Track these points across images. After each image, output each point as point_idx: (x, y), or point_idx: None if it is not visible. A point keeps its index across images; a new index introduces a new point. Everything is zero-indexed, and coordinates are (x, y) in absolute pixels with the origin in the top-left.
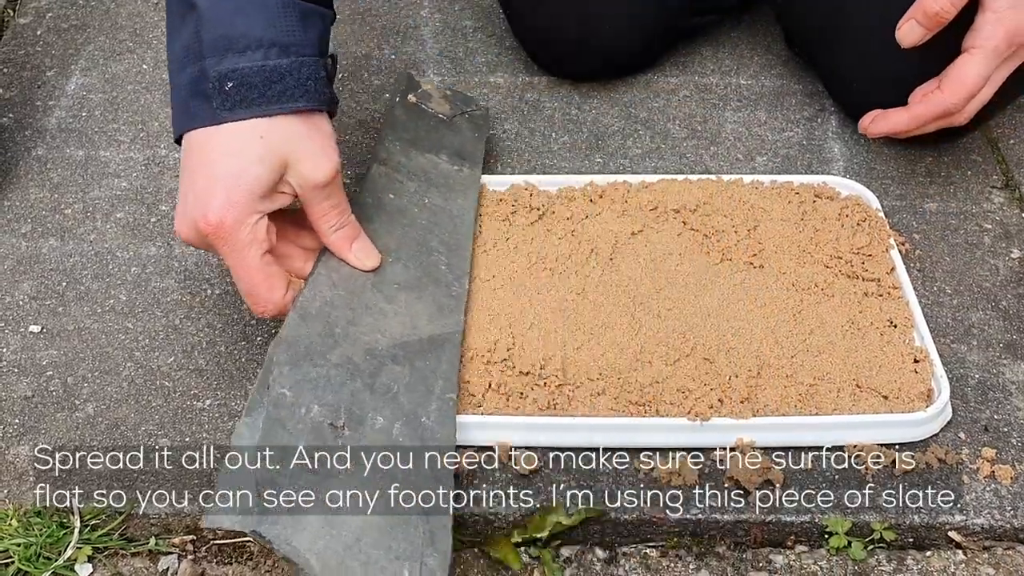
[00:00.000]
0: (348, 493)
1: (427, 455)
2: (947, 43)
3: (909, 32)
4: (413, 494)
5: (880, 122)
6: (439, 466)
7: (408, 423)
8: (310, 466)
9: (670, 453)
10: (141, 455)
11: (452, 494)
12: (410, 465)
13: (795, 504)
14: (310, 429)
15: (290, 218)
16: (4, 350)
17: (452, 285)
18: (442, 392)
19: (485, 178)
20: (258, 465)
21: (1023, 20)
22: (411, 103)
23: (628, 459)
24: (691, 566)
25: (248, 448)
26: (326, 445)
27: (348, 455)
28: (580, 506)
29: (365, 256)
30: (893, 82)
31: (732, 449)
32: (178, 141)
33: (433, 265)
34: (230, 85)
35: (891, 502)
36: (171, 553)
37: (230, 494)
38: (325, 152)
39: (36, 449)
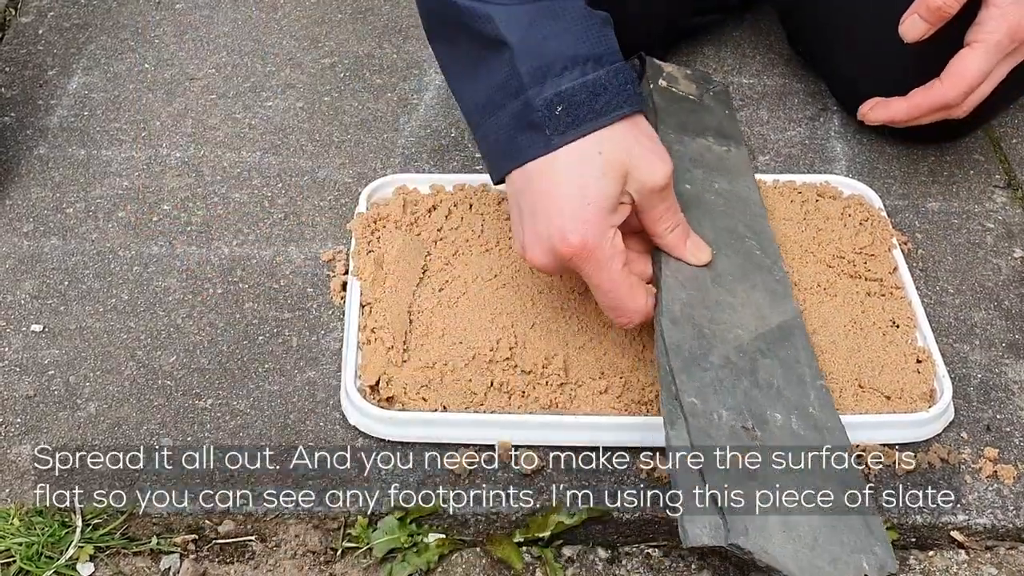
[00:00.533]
0: (786, 494)
1: (833, 452)
2: (951, 42)
3: (912, 27)
4: (836, 489)
5: (879, 110)
6: (845, 462)
7: (801, 416)
8: (748, 474)
9: None
10: (143, 454)
11: (862, 480)
12: (819, 459)
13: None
14: (728, 434)
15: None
16: (6, 349)
17: (773, 270)
18: (813, 380)
19: (486, 177)
20: (707, 480)
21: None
22: (663, 87)
23: (630, 458)
24: (693, 566)
25: (689, 462)
26: (749, 448)
27: (771, 456)
28: (582, 506)
29: (699, 251)
30: (895, 82)
31: None
32: (499, 182)
33: (749, 251)
34: (560, 109)
35: (893, 502)
36: (173, 552)
37: (698, 512)
38: (658, 154)
39: (38, 448)
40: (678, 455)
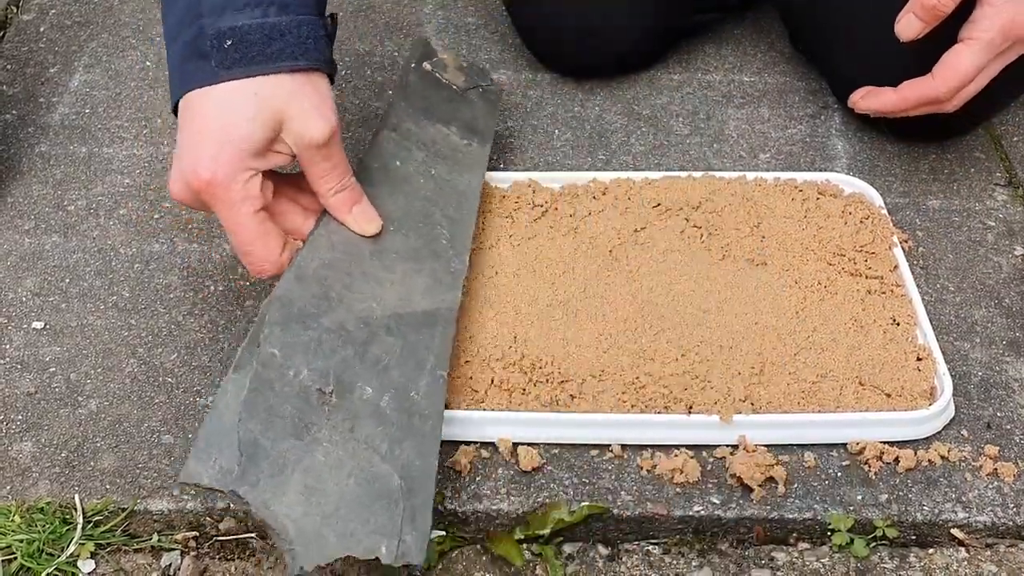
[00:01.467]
0: (330, 462)
1: (414, 430)
2: (949, 40)
3: (907, 26)
4: (395, 471)
5: (870, 99)
6: (425, 444)
7: (397, 396)
8: (294, 431)
9: (673, 450)
10: (144, 451)
11: (435, 473)
12: (396, 440)
13: (797, 501)
14: (297, 393)
15: (291, 178)
16: (7, 346)
17: (452, 261)
18: (433, 368)
19: (488, 175)
20: (241, 424)
21: (1020, 14)
22: (426, 71)
23: (631, 456)
24: (693, 563)
25: (232, 406)
26: (312, 410)
27: (334, 423)
28: (582, 503)
29: (366, 221)
30: (895, 80)
31: (735, 446)
32: (175, 111)
33: (435, 238)
34: (229, 43)
35: (894, 499)
36: (173, 549)
37: (211, 451)
38: (321, 112)
39: (39, 445)
40: (225, 396)
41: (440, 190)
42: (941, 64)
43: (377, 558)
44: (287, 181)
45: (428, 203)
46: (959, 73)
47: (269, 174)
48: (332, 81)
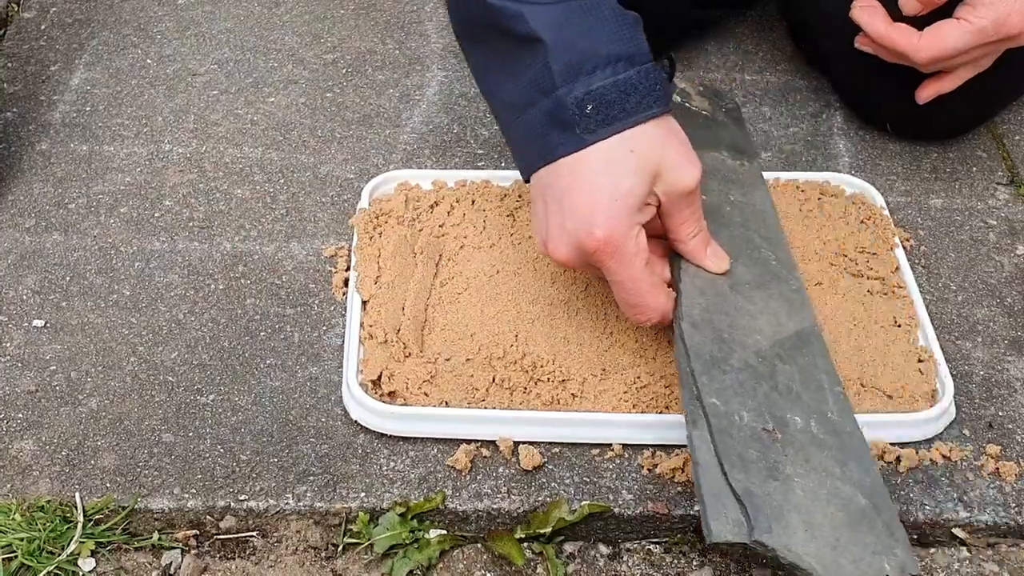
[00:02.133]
0: (808, 495)
1: (847, 449)
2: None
3: (907, 2)
4: (857, 490)
5: (866, 12)
6: (863, 458)
7: (819, 420)
8: (769, 472)
9: (674, 449)
10: (144, 450)
11: (883, 484)
12: (840, 461)
13: None
14: (750, 436)
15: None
16: (7, 345)
17: (789, 280)
18: (831, 386)
19: (489, 173)
20: (730, 476)
21: (1016, 13)
22: (676, 103)
23: (632, 455)
24: (695, 562)
25: (710, 460)
26: (770, 449)
27: (791, 458)
28: (583, 502)
29: (719, 259)
30: (893, 79)
31: None
32: (527, 180)
33: (765, 261)
34: (590, 108)
35: (895, 499)
36: (174, 548)
37: (719, 507)
38: (688, 157)
39: (39, 443)
40: (701, 454)
41: (744, 214)
42: (929, 31)
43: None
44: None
45: (744, 229)
46: (942, 46)
47: None
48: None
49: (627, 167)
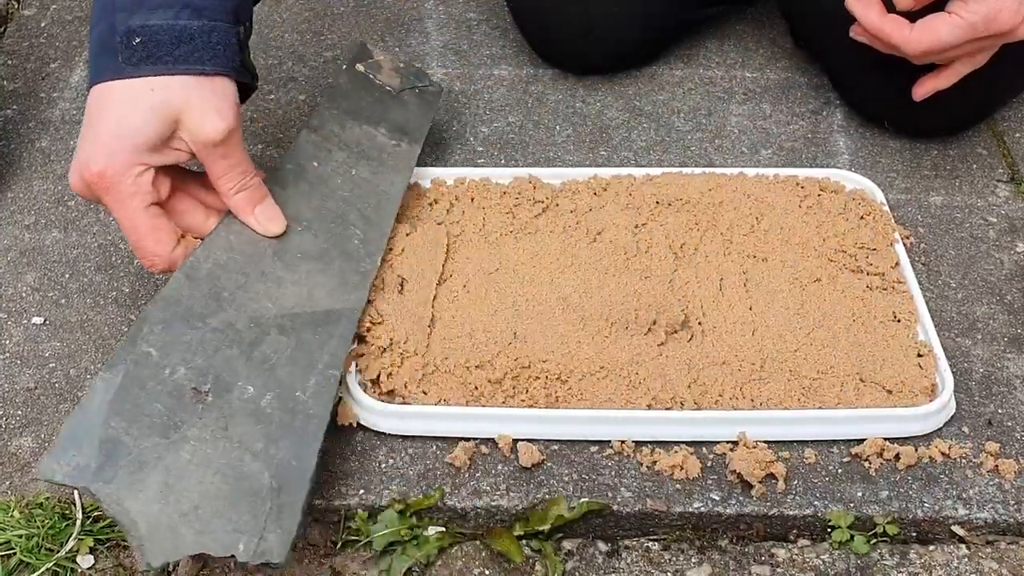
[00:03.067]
0: (196, 460)
1: (295, 430)
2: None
3: None
4: (266, 469)
5: (861, 3)
6: (305, 443)
7: (281, 396)
8: (161, 429)
9: (672, 446)
10: None
11: (312, 474)
12: (273, 438)
13: (798, 498)
14: (170, 391)
15: (198, 176)
16: (7, 342)
17: (363, 260)
18: (325, 367)
19: (488, 171)
20: (106, 422)
21: (1006, 10)
22: (358, 72)
23: (630, 452)
24: (693, 559)
25: (99, 404)
26: (184, 408)
27: (206, 421)
28: (582, 499)
29: (268, 220)
30: (891, 78)
31: (735, 442)
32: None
33: (346, 239)
34: (137, 40)
35: (894, 496)
36: None
37: (70, 448)
38: (219, 111)
39: (39, 441)
40: (94, 395)
41: (359, 190)
42: (920, 24)
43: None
44: (194, 180)
45: (344, 204)
46: (933, 39)
47: (172, 171)
48: (253, 89)
49: (143, 104)
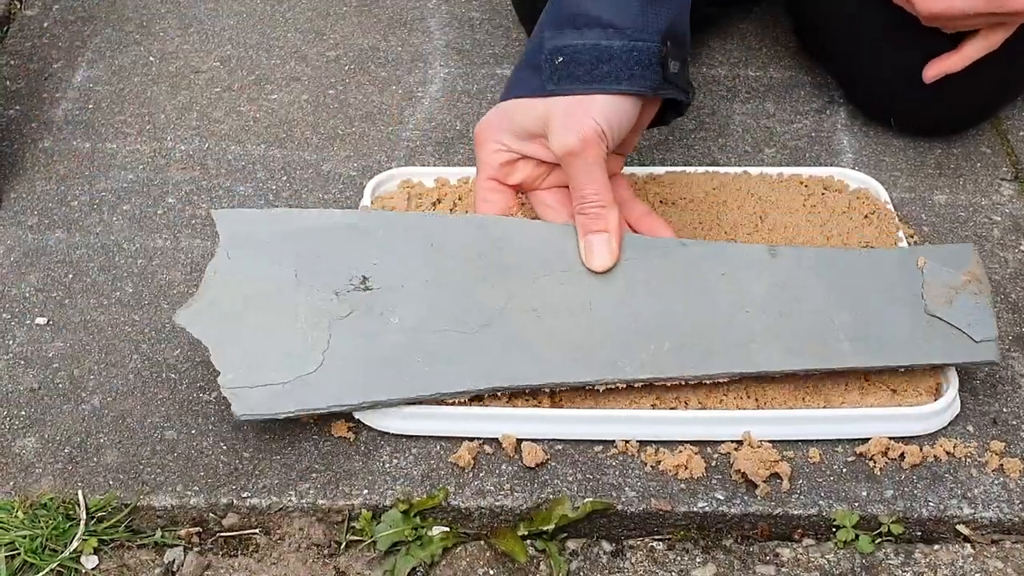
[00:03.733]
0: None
1: None
2: (954, 36)
3: None
4: None
5: None
6: None
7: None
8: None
9: (677, 445)
10: (147, 447)
11: None
12: None
13: (802, 497)
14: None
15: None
16: (10, 342)
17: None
18: None
19: None
20: None
21: None
22: None
23: (634, 452)
24: (698, 559)
25: None
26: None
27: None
28: (586, 499)
29: (593, 251)
30: (899, 71)
31: (739, 442)
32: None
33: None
34: (560, 60)
35: (899, 495)
36: (177, 545)
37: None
38: (582, 124)
39: (42, 441)
40: None
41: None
42: None
43: None
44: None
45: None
46: (949, 4)
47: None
48: (686, 104)
49: (531, 99)
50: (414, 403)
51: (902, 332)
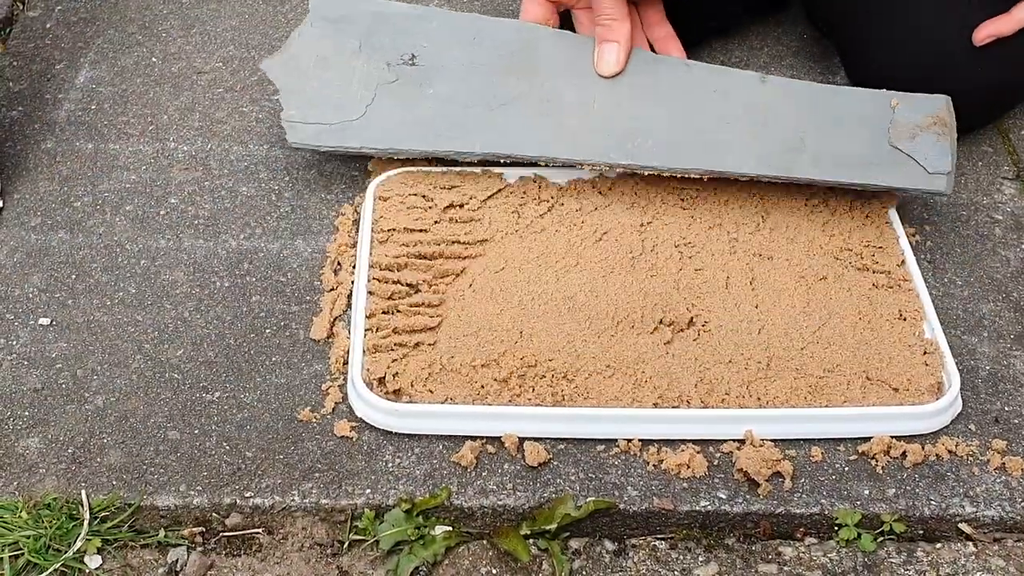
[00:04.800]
0: None
1: None
2: (967, 20)
3: None
4: None
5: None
6: None
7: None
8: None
9: (679, 444)
10: (150, 447)
11: None
12: None
13: (804, 496)
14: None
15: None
16: (14, 343)
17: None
18: None
19: (493, 170)
20: None
21: None
22: None
23: (637, 451)
24: (700, 558)
25: None
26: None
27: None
28: (589, 498)
29: (603, 58)
30: (911, 56)
31: (741, 441)
32: None
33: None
34: None
35: (901, 494)
36: (180, 545)
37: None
38: None
39: (45, 441)
40: None
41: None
42: None
43: None
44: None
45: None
46: None
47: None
48: None
49: None
50: (430, 157)
51: (863, 156)
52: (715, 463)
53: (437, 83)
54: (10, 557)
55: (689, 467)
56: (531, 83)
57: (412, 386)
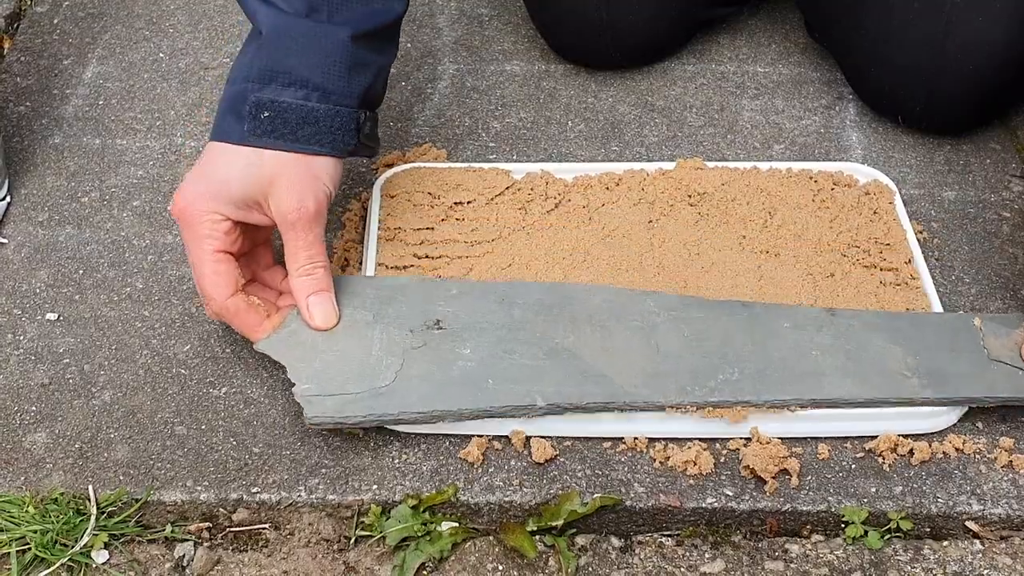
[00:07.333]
0: None
1: None
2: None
3: None
4: None
5: None
6: None
7: None
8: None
9: (686, 442)
10: (157, 442)
11: None
12: None
13: (811, 493)
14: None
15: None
16: (21, 338)
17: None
18: None
19: (501, 166)
20: None
21: None
22: None
23: (643, 448)
24: (707, 555)
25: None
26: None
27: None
28: (595, 494)
29: (318, 312)
30: (909, 70)
31: (748, 438)
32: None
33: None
34: (265, 115)
35: (908, 492)
36: (187, 540)
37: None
38: (306, 191)
39: (53, 436)
40: None
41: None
42: None
43: None
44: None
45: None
46: None
47: (265, 252)
48: (372, 154)
49: (242, 163)
50: (484, 416)
51: (969, 371)
52: (722, 460)
53: (472, 342)
54: (17, 552)
55: (696, 464)
56: (578, 335)
57: None
